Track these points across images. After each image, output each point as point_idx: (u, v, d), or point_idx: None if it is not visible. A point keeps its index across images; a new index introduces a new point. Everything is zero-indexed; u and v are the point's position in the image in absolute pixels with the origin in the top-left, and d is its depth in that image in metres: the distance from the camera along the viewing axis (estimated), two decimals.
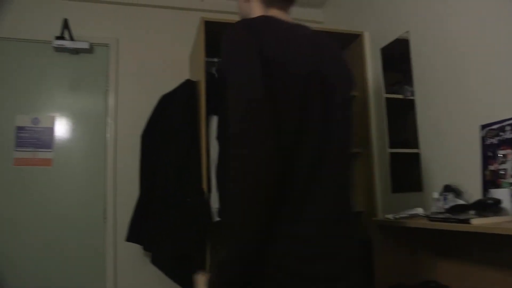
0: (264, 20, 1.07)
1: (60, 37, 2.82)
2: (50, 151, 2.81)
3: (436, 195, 2.00)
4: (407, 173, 2.45)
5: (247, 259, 0.90)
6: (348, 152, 1.14)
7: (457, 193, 1.91)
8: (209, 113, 2.43)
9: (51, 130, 2.83)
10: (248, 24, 1.03)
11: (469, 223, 1.53)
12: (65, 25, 2.84)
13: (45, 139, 2.81)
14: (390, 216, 2.05)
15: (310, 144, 1.00)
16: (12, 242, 2.65)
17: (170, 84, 2.77)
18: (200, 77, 2.47)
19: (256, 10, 1.20)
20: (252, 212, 0.88)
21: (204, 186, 2.32)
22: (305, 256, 0.95)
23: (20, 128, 2.78)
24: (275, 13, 1.19)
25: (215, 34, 2.57)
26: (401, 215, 2.02)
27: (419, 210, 2.04)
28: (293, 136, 0.97)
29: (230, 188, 0.90)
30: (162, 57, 3.04)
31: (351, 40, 2.86)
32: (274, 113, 0.93)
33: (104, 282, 2.74)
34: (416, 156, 2.32)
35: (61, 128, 2.86)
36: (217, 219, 2.34)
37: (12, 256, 2.64)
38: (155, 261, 2.44)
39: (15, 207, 2.70)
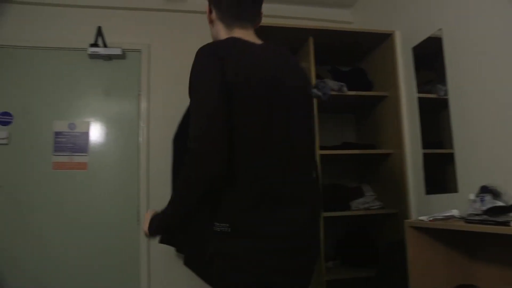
0: (227, 42, 1.26)
1: (94, 44, 2.91)
2: (85, 155, 2.90)
3: (472, 196, 1.94)
4: (441, 174, 2.39)
5: (182, 218, 1.22)
6: (306, 152, 1.32)
7: (495, 194, 1.84)
8: None
9: (86, 135, 2.92)
10: (212, 47, 1.23)
11: (509, 225, 1.49)
12: (99, 32, 2.92)
13: (81, 144, 2.90)
14: (424, 217, 2.01)
15: (270, 149, 1.20)
16: (50, 243, 2.75)
17: None
18: None
19: (221, 32, 1.38)
20: (191, 194, 1.16)
21: None
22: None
23: (57, 133, 2.87)
24: (238, 33, 1.35)
25: None
26: (435, 217, 1.97)
27: (455, 212, 1.98)
28: (256, 140, 1.19)
29: (185, 170, 1.15)
30: (191, 62, 3.07)
31: (382, 40, 2.82)
32: (231, 120, 1.15)
33: (138, 283, 2.80)
34: (451, 157, 2.26)
35: (96, 132, 2.94)
36: None
37: (49, 257, 2.73)
38: (188, 263, 2.48)
39: (54, 210, 2.79)
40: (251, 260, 1.15)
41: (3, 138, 2.78)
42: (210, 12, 1.42)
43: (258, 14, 1.43)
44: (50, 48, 2.95)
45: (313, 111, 1.42)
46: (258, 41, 1.37)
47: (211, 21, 1.43)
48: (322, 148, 2.63)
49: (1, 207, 2.74)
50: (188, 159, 1.13)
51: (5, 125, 2.82)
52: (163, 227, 1.27)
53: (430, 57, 2.47)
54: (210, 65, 1.19)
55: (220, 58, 1.19)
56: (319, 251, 1.32)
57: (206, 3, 1.43)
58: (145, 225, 1.29)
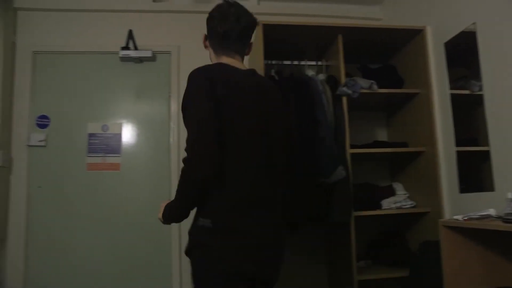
0: (214, 65, 1.55)
1: (125, 48, 2.98)
2: (118, 156, 2.97)
3: (510, 195, 1.88)
4: (476, 172, 2.33)
5: (183, 208, 1.44)
6: (281, 164, 1.56)
7: None
8: None
9: (119, 136, 2.99)
10: (201, 71, 1.47)
11: None
12: (130, 35, 2.99)
13: (113, 145, 2.98)
14: (458, 217, 1.96)
15: (253, 159, 1.44)
16: (84, 241, 2.83)
17: None
18: None
19: (212, 57, 1.66)
20: (188, 194, 1.41)
21: None
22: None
23: (91, 135, 2.96)
24: (226, 60, 1.59)
25: (273, 37, 2.60)
26: (470, 216, 1.92)
27: (491, 211, 1.93)
28: (242, 149, 1.43)
29: (183, 171, 1.37)
30: None
31: (412, 36, 2.77)
32: (219, 132, 1.35)
33: (170, 284, 2.85)
34: (486, 154, 2.20)
35: (128, 134, 3.01)
36: None
37: (83, 256, 2.82)
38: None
39: (88, 209, 2.88)
40: (226, 252, 1.36)
41: (41, 141, 2.89)
42: (205, 39, 1.68)
43: (245, 47, 1.65)
44: (84, 52, 3.05)
45: (289, 127, 1.71)
46: (242, 68, 1.59)
47: (206, 46, 1.69)
48: (352, 146, 2.61)
49: (40, 207, 2.85)
50: (185, 163, 1.36)
51: (43, 128, 2.93)
52: (171, 216, 1.48)
53: (463, 52, 2.41)
54: (199, 84, 1.42)
55: (208, 78, 1.43)
56: (284, 245, 1.53)
57: None
58: (160, 213, 1.51)
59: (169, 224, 1.56)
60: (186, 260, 2.92)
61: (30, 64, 2.97)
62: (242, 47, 1.64)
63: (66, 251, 2.82)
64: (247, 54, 1.68)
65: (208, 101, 1.37)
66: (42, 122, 2.93)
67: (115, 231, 2.86)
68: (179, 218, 1.48)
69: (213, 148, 1.32)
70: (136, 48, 3.00)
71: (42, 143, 2.89)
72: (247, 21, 1.62)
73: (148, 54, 2.99)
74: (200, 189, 1.38)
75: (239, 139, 1.43)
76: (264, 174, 1.47)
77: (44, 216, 2.84)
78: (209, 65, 1.54)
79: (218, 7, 1.63)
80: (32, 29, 3.03)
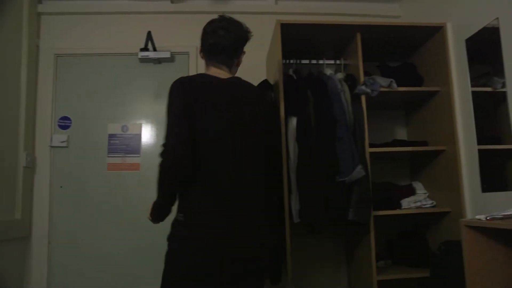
0: (194, 76, 1.72)
1: (145, 49, 3.02)
2: (138, 156, 3.00)
3: None
4: (500, 171, 2.29)
5: (163, 205, 1.68)
6: (255, 167, 1.69)
7: None
8: (287, 114, 2.45)
9: (138, 136, 3.03)
10: (179, 81, 1.67)
11: None
12: (149, 37, 3.02)
13: (133, 145, 3.01)
14: (481, 216, 1.92)
15: (223, 161, 1.61)
16: (105, 241, 2.88)
17: None
18: (278, 79, 2.50)
19: (205, 65, 1.81)
20: (165, 185, 1.60)
21: (285, 187, 2.34)
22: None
23: (111, 136, 3.00)
24: (212, 70, 1.76)
25: (291, 36, 2.59)
26: (494, 216, 1.89)
27: None
28: (214, 151, 1.61)
29: (159, 171, 1.56)
30: None
31: (432, 33, 2.73)
32: (191, 137, 1.55)
33: None
34: (510, 153, 2.16)
35: (147, 134, 3.04)
36: (298, 220, 2.35)
37: (104, 255, 2.87)
38: None
39: (109, 209, 2.92)
40: (192, 242, 1.55)
41: (63, 141, 2.95)
42: (200, 50, 1.82)
43: (233, 59, 1.79)
44: (103, 54, 3.10)
45: (270, 131, 1.83)
46: (224, 77, 1.73)
47: (202, 57, 1.83)
48: (371, 145, 2.59)
49: (61, 206, 2.91)
50: (161, 164, 1.56)
51: (64, 129, 2.99)
52: (156, 214, 1.71)
53: (485, 48, 2.36)
54: (177, 94, 1.62)
55: (185, 88, 1.63)
56: (265, 237, 1.66)
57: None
58: (148, 212, 1.72)
59: (158, 223, 1.75)
60: None
61: (52, 67, 3.04)
62: (229, 59, 1.77)
63: (87, 249, 2.87)
64: (237, 65, 1.84)
65: (184, 110, 1.59)
66: (64, 123, 2.99)
67: (135, 230, 2.89)
68: (163, 215, 1.70)
69: (186, 151, 1.53)
70: (154, 49, 3.03)
71: (64, 144, 2.95)
72: (237, 34, 1.76)
73: (167, 55, 3.02)
74: (177, 178, 1.57)
75: (210, 143, 1.60)
76: (233, 175, 1.61)
77: (66, 215, 2.90)
78: (188, 76, 1.72)
79: (211, 21, 1.80)
80: (54, 32, 3.10)
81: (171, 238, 1.65)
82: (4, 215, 2.57)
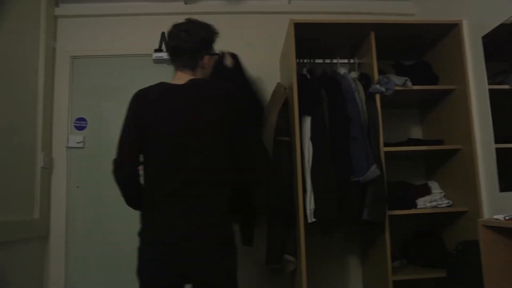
0: (153, 88, 1.76)
1: (159, 50, 3.04)
2: None
3: None
4: None
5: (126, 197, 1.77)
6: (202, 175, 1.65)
7: None
8: (302, 114, 2.45)
9: None
10: (138, 93, 1.76)
11: None
12: (163, 38, 3.04)
13: None
14: (499, 216, 1.90)
15: (164, 172, 1.65)
16: (120, 240, 2.90)
17: (261, 88, 2.85)
18: (291, 78, 2.50)
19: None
20: (123, 195, 1.76)
21: (299, 187, 2.34)
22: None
23: None
24: (177, 75, 1.78)
25: (305, 36, 2.59)
26: None
27: None
28: (156, 163, 1.67)
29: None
30: (252, 62, 3.13)
31: (448, 30, 2.70)
32: (138, 147, 1.68)
33: None
34: None
35: None
36: (312, 220, 2.35)
37: (120, 255, 2.87)
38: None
39: (123, 209, 2.91)
40: (143, 248, 1.68)
41: (79, 142, 2.99)
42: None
43: (196, 61, 1.77)
44: (118, 55, 3.13)
45: (240, 127, 1.73)
46: (182, 82, 1.73)
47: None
48: (386, 145, 2.57)
49: (78, 206, 2.96)
50: (112, 172, 1.71)
51: (80, 130, 3.03)
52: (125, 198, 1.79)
53: (502, 45, 2.33)
54: (129, 108, 1.73)
55: (139, 102, 1.72)
56: (214, 241, 1.64)
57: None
58: None
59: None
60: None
61: (68, 69, 3.08)
62: (192, 61, 1.76)
63: (104, 248, 2.91)
64: (203, 67, 1.80)
65: (131, 124, 1.70)
66: (80, 124, 3.03)
67: None
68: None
69: (130, 162, 1.69)
70: None
71: (80, 145, 2.99)
72: (199, 36, 1.76)
73: None
74: (128, 191, 1.74)
75: (156, 161, 1.67)
76: (178, 181, 1.63)
77: (83, 214, 2.94)
78: (147, 87, 1.77)
79: (174, 24, 1.80)
80: (70, 35, 3.14)
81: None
82: (23, 214, 2.62)
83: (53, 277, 2.86)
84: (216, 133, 1.67)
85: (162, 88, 1.74)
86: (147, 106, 1.70)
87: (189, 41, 1.74)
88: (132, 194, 1.75)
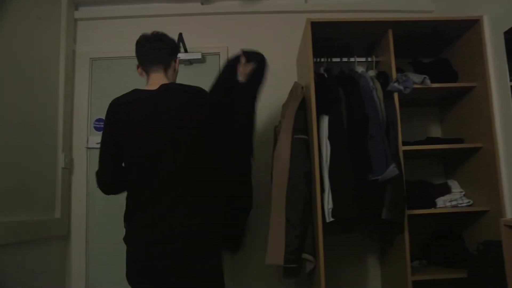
0: (126, 96, 1.86)
1: None
2: None
3: None
4: None
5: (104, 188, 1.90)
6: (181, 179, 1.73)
7: None
8: (319, 113, 2.44)
9: None
10: (113, 103, 1.85)
11: None
12: (180, 38, 3.06)
13: None
14: None
15: (141, 181, 1.74)
16: None
17: (279, 88, 2.85)
18: (309, 78, 2.49)
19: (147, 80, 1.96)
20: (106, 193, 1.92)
21: (317, 186, 2.33)
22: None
23: None
24: (151, 76, 1.92)
25: (322, 35, 2.58)
26: None
27: None
28: (133, 170, 1.77)
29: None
30: (269, 61, 3.11)
31: (468, 27, 2.66)
32: (116, 155, 1.81)
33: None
34: None
35: None
36: (330, 219, 2.34)
37: None
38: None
39: None
40: (128, 250, 1.80)
41: (98, 143, 2.99)
42: (138, 67, 1.97)
43: (168, 59, 1.92)
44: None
45: (202, 134, 1.80)
46: (161, 83, 1.84)
47: (141, 74, 1.98)
48: (404, 143, 2.55)
49: (97, 206, 3.01)
50: (97, 184, 1.88)
51: (100, 130, 3.04)
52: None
53: None
54: (106, 118, 1.83)
55: (113, 111, 1.81)
56: (195, 239, 1.70)
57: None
58: None
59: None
60: (243, 255, 2.95)
61: (87, 71, 3.13)
62: (166, 60, 1.91)
63: (123, 247, 2.93)
64: (174, 69, 1.97)
65: (108, 134, 1.81)
66: (99, 125, 3.07)
67: None
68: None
69: (108, 169, 1.83)
70: (186, 51, 3.08)
71: (99, 145, 3.03)
72: (171, 43, 1.96)
73: (198, 56, 3.06)
74: (110, 192, 1.92)
75: (133, 165, 1.77)
76: (154, 187, 1.70)
77: (102, 214, 2.99)
78: (121, 95, 1.88)
79: (142, 35, 1.94)
80: (89, 37, 3.19)
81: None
82: (45, 214, 2.68)
83: (74, 275, 2.92)
84: (188, 137, 1.75)
85: (135, 95, 1.84)
86: (120, 114, 1.79)
87: (162, 48, 1.91)
88: (116, 192, 1.93)
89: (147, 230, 1.71)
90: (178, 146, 1.74)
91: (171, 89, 1.84)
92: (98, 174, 1.86)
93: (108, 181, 1.86)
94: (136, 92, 1.86)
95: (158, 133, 1.74)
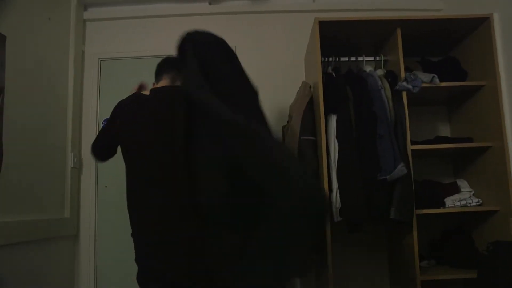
0: (127, 100, 1.89)
1: None
2: None
3: None
4: None
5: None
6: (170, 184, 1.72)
7: None
8: (327, 112, 2.44)
9: None
10: (116, 105, 1.89)
11: None
12: None
13: None
14: None
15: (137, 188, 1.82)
16: None
17: (286, 87, 2.85)
18: (316, 77, 2.49)
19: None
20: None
21: (325, 185, 2.33)
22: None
23: None
24: (160, 82, 1.98)
25: (330, 34, 2.58)
26: None
27: None
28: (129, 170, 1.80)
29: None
30: (277, 61, 3.14)
31: (477, 25, 2.64)
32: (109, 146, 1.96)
33: None
34: None
35: None
36: (338, 219, 2.33)
37: None
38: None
39: None
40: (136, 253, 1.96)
41: None
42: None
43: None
44: (144, 57, 3.18)
45: (181, 136, 1.72)
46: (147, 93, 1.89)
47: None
48: (413, 143, 2.53)
49: (106, 205, 3.02)
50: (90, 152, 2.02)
51: None
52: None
53: None
54: (111, 116, 1.88)
55: (116, 113, 1.86)
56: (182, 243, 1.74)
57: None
58: None
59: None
60: None
61: (96, 71, 3.15)
62: (168, 76, 1.99)
63: (132, 246, 2.95)
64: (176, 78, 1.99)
65: (108, 128, 1.90)
66: None
67: None
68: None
69: (102, 149, 2.00)
70: None
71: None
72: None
73: None
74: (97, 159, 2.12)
75: (129, 158, 1.79)
76: (152, 187, 1.73)
77: (110, 214, 3.00)
78: (125, 98, 1.91)
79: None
80: (98, 37, 3.22)
81: None
82: (55, 213, 2.70)
83: (83, 275, 2.94)
84: (175, 138, 1.70)
85: (133, 100, 1.87)
86: (119, 117, 1.83)
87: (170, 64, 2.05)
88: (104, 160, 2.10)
89: (141, 234, 1.91)
90: (158, 154, 1.78)
91: (159, 94, 1.87)
92: (92, 152, 2.02)
93: (97, 153, 2.02)
94: (133, 98, 1.90)
95: (154, 133, 1.76)
